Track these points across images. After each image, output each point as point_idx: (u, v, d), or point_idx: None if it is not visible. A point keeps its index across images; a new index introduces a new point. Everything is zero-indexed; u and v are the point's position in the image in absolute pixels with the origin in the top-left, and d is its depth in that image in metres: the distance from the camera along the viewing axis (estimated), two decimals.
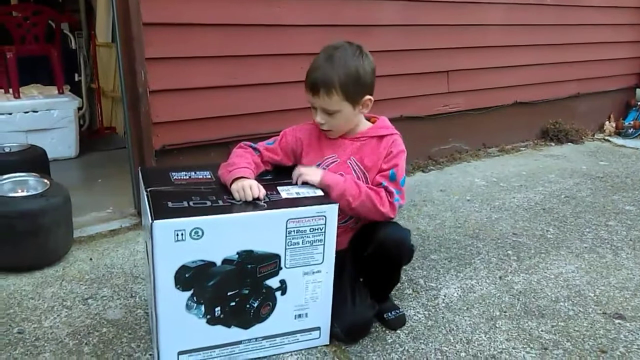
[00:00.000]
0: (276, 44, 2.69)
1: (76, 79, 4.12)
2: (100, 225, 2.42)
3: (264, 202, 1.45)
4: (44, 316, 1.73)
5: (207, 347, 1.46)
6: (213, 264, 1.38)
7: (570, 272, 2.11)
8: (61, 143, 3.50)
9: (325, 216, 1.45)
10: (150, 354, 1.53)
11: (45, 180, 2.15)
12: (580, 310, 1.83)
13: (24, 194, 2.07)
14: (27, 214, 1.95)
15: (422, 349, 1.61)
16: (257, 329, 1.49)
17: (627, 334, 1.70)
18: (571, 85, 4.28)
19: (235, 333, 1.47)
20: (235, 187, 1.48)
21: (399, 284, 1.84)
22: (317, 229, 1.45)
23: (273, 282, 1.47)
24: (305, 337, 1.57)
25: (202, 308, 1.41)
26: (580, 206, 2.84)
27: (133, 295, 1.87)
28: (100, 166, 3.40)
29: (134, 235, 2.35)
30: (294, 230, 1.43)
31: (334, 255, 1.51)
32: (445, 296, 1.91)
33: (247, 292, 1.44)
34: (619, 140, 4.41)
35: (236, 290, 1.43)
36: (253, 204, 1.44)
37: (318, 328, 1.57)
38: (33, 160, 2.54)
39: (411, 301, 1.87)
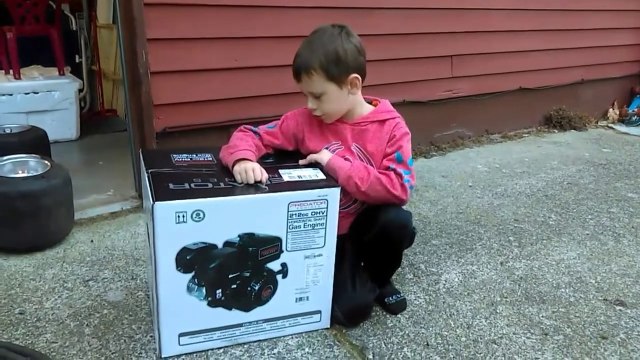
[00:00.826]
0: (278, 26, 2.66)
1: (77, 60, 4.09)
2: (101, 208, 2.42)
3: (265, 185, 1.44)
4: (45, 297, 1.73)
5: (208, 329, 1.46)
6: (214, 246, 1.38)
7: (572, 258, 2.11)
8: (62, 125, 3.48)
9: (327, 200, 1.45)
10: (151, 336, 1.54)
11: (46, 162, 2.14)
12: (581, 297, 1.83)
13: (25, 174, 2.06)
14: (28, 194, 1.94)
15: (423, 333, 1.61)
16: (258, 311, 1.49)
17: (627, 320, 1.70)
18: (575, 71, 4.25)
19: (236, 315, 1.48)
20: (237, 169, 1.46)
21: (399, 269, 1.84)
22: (319, 213, 1.45)
23: (274, 265, 1.46)
24: (306, 320, 1.57)
25: (203, 290, 1.41)
26: (583, 193, 2.83)
27: (134, 277, 1.87)
28: (101, 148, 3.39)
29: (134, 217, 2.34)
30: (295, 214, 1.42)
31: (335, 239, 1.50)
32: (446, 281, 1.91)
33: (248, 274, 1.44)
34: (623, 128, 4.39)
35: (237, 273, 1.43)
36: (255, 187, 1.43)
37: (319, 311, 1.58)
38: (33, 141, 2.53)
39: (412, 286, 1.87)
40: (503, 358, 1.51)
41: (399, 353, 1.52)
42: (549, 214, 2.54)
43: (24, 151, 2.22)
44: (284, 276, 1.49)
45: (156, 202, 1.30)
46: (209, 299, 1.43)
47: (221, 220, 1.36)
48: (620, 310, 1.76)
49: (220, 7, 2.49)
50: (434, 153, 3.46)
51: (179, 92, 2.47)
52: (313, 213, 1.44)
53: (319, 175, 1.53)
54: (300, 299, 1.53)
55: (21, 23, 3.61)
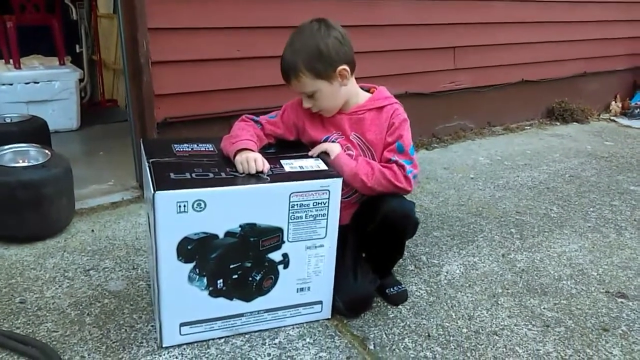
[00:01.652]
0: (281, 15, 2.64)
1: (77, 50, 4.07)
2: (102, 198, 2.41)
3: (267, 176, 1.43)
4: (46, 287, 1.73)
5: (209, 319, 1.46)
6: (215, 236, 1.37)
7: (574, 251, 2.10)
8: (62, 115, 3.47)
9: (328, 190, 1.44)
10: (152, 326, 1.53)
11: (46, 151, 2.13)
12: (582, 289, 1.83)
13: (25, 164, 2.05)
14: (28, 184, 1.93)
15: (424, 324, 1.61)
16: (259, 301, 1.49)
17: (629, 312, 1.70)
18: (578, 64, 4.23)
19: (237, 305, 1.47)
20: (239, 159, 1.46)
21: (401, 260, 1.84)
22: (321, 203, 1.44)
23: (276, 256, 1.46)
24: (307, 310, 1.57)
25: (205, 280, 1.41)
26: (585, 186, 2.83)
27: (135, 267, 1.86)
28: (101, 139, 3.38)
29: (135, 207, 2.34)
30: (297, 204, 1.42)
31: (337, 230, 1.50)
32: (447, 273, 1.90)
33: (249, 265, 1.44)
34: (625, 121, 4.37)
35: (239, 263, 1.43)
36: (256, 177, 1.42)
37: (320, 302, 1.57)
38: (34, 131, 2.52)
39: (413, 277, 1.87)
40: (504, 349, 1.51)
41: (400, 344, 1.52)
42: (551, 207, 2.53)
43: (24, 141, 2.21)
44: (285, 266, 1.48)
45: (157, 192, 1.29)
46: (210, 289, 1.42)
47: (222, 210, 1.36)
48: (621, 302, 1.76)
49: None
50: (435, 145, 3.45)
51: (180, 82, 2.45)
52: (315, 203, 1.43)
53: (320, 165, 1.52)
54: (302, 289, 1.53)
55: (21, 12, 3.59)
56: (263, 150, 1.58)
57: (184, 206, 1.32)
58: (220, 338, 1.49)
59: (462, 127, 3.70)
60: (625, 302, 1.76)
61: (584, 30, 4.12)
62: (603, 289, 1.84)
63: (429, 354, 1.48)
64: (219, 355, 1.44)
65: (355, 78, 1.64)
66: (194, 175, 1.40)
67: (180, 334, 1.45)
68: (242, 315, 1.49)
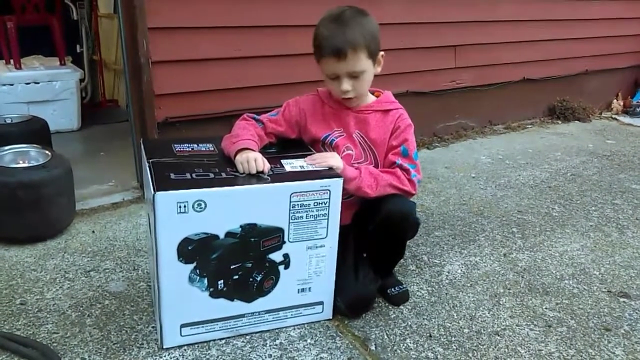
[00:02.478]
0: (282, 14, 2.63)
1: (78, 50, 4.07)
2: (103, 198, 2.41)
3: (267, 176, 1.43)
4: (46, 288, 1.72)
5: (209, 320, 1.46)
6: (216, 236, 1.36)
7: (576, 250, 2.09)
8: (63, 115, 3.47)
9: (329, 190, 1.43)
10: (153, 327, 1.53)
11: (47, 152, 2.12)
12: (584, 289, 1.82)
13: (25, 164, 2.05)
14: (29, 184, 1.93)
15: (425, 324, 1.60)
16: (260, 302, 1.49)
17: (631, 312, 1.69)
18: (580, 62, 4.21)
19: (238, 306, 1.47)
20: (239, 159, 1.45)
21: (402, 260, 1.84)
22: (321, 203, 1.43)
23: (276, 256, 1.45)
24: (308, 311, 1.56)
25: (205, 281, 1.40)
26: (586, 184, 2.82)
27: (135, 268, 1.86)
28: (102, 139, 3.38)
29: (136, 208, 2.33)
30: (297, 204, 1.41)
31: (338, 230, 1.49)
32: (448, 273, 1.90)
33: (250, 265, 1.43)
34: (627, 119, 4.36)
35: (239, 264, 1.42)
36: (257, 177, 1.42)
37: (321, 302, 1.57)
38: (34, 131, 2.52)
39: (414, 277, 1.86)
40: (506, 350, 1.50)
41: (402, 344, 1.51)
42: (553, 206, 2.52)
43: (24, 141, 2.20)
44: (286, 267, 1.48)
45: (157, 192, 1.29)
46: (211, 289, 1.42)
47: (223, 210, 1.35)
48: (624, 302, 1.75)
49: None
50: (436, 144, 3.44)
51: (180, 81, 2.45)
52: (315, 203, 1.43)
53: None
54: (303, 290, 1.53)
55: (22, 12, 3.59)
56: (264, 150, 1.57)
57: (185, 206, 1.31)
58: (221, 339, 1.49)
59: (464, 126, 3.69)
60: (627, 302, 1.75)
61: (586, 29, 4.11)
62: (605, 288, 1.83)
63: (430, 354, 1.47)
64: (219, 357, 1.43)
65: None
66: (194, 175, 1.39)
67: (181, 335, 1.44)
68: (242, 316, 1.49)
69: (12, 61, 3.48)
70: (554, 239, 2.18)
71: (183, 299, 1.40)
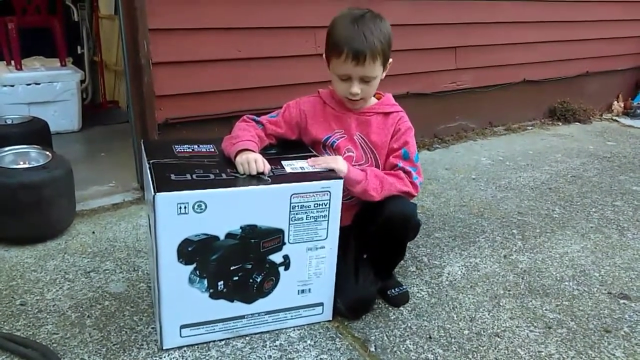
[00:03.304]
0: (283, 16, 2.64)
1: (79, 51, 4.07)
2: (103, 199, 2.41)
3: (268, 177, 1.43)
4: (47, 288, 1.72)
5: (209, 321, 1.46)
6: (216, 237, 1.37)
7: (576, 251, 2.09)
8: (63, 116, 3.47)
9: (329, 192, 1.43)
10: (153, 328, 1.53)
11: (47, 153, 2.12)
12: (585, 290, 1.82)
13: (26, 165, 2.05)
14: (29, 185, 1.93)
15: (425, 326, 1.60)
16: (260, 303, 1.49)
17: (631, 314, 1.69)
18: (580, 63, 4.22)
19: (238, 307, 1.47)
20: (239, 160, 1.45)
21: (402, 262, 1.84)
22: (322, 205, 1.43)
23: (276, 257, 1.45)
24: (308, 312, 1.56)
25: (205, 282, 1.40)
26: (587, 186, 2.82)
27: (135, 268, 1.86)
28: (102, 140, 3.38)
29: (136, 209, 2.34)
30: (298, 206, 1.41)
31: (338, 231, 1.49)
32: (449, 274, 1.90)
33: (250, 266, 1.43)
34: (627, 121, 4.36)
35: (239, 265, 1.42)
36: (257, 178, 1.42)
37: (321, 304, 1.57)
38: (35, 132, 2.52)
39: (414, 279, 1.86)
40: (506, 351, 1.50)
41: (402, 346, 1.51)
42: (553, 207, 2.52)
43: (25, 142, 2.20)
44: (286, 268, 1.48)
45: (157, 193, 1.29)
46: (211, 290, 1.42)
47: (223, 211, 1.35)
48: (624, 303, 1.75)
49: None
50: (437, 145, 3.44)
51: (181, 83, 2.45)
52: (316, 205, 1.43)
53: None
54: (303, 291, 1.53)
55: (22, 14, 3.59)
56: (264, 151, 1.57)
57: (185, 207, 1.31)
58: (220, 340, 1.49)
59: (464, 128, 3.69)
60: (627, 303, 1.75)
61: (586, 30, 4.11)
62: (605, 290, 1.83)
63: (430, 356, 1.47)
64: (219, 358, 1.43)
65: None
66: (194, 176, 1.39)
67: (181, 336, 1.44)
68: (242, 317, 1.49)
69: (13, 62, 3.49)
70: (554, 241, 2.18)
71: (183, 300, 1.40)
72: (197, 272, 1.38)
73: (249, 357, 1.44)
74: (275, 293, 1.49)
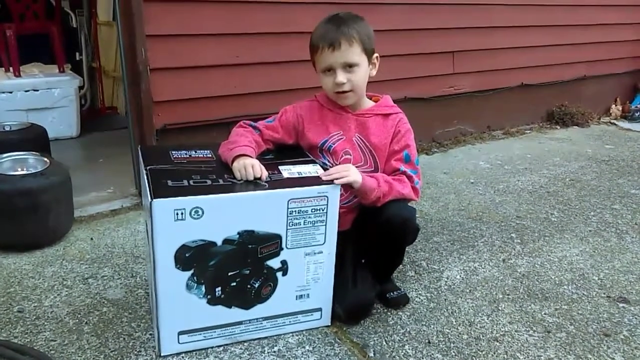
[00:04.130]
0: (279, 22, 2.65)
1: (77, 57, 4.08)
2: (101, 205, 2.41)
3: (265, 182, 1.43)
4: (44, 295, 1.72)
5: (207, 327, 1.45)
6: (214, 243, 1.36)
7: (575, 255, 2.09)
8: (62, 122, 3.48)
9: (327, 196, 1.43)
10: (151, 334, 1.53)
11: (45, 159, 2.13)
12: (584, 294, 1.82)
13: (23, 172, 2.05)
14: (27, 192, 1.93)
15: (424, 330, 1.60)
16: (258, 309, 1.48)
17: (631, 317, 1.69)
18: (578, 67, 4.23)
19: (236, 313, 1.46)
20: (237, 166, 1.45)
21: (401, 266, 1.84)
22: (319, 210, 1.43)
23: (274, 263, 1.45)
24: (307, 318, 1.56)
25: (203, 288, 1.40)
26: (585, 190, 2.82)
27: (134, 275, 1.86)
28: (101, 146, 3.38)
29: (135, 215, 2.33)
30: (295, 211, 1.41)
31: (335, 236, 1.49)
32: (447, 278, 1.89)
33: (248, 272, 1.43)
34: (625, 124, 4.36)
35: (237, 271, 1.42)
36: (254, 184, 1.42)
37: (319, 309, 1.56)
38: (33, 139, 2.52)
39: (413, 283, 1.86)
40: (505, 356, 1.50)
41: (400, 351, 1.50)
42: (552, 211, 2.52)
43: (23, 149, 2.20)
44: (284, 274, 1.47)
45: (154, 199, 1.29)
46: (209, 296, 1.41)
47: (220, 217, 1.35)
48: (623, 307, 1.75)
49: (221, 3, 2.48)
50: (435, 150, 3.44)
51: (178, 88, 2.46)
52: (313, 210, 1.43)
53: (319, 171, 1.52)
54: (301, 296, 1.52)
55: (21, 20, 3.61)
56: (261, 157, 1.57)
57: (182, 214, 1.31)
58: (219, 346, 1.48)
59: (462, 132, 3.69)
60: (626, 307, 1.75)
61: (584, 34, 4.12)
62: (604, 293, 1.82)
63: None
64: None
65: None
66: (191, 182, 1.39)
67: (179, 342, 1.44)
68: (240, 323, 1.48)
69: (11, 69, 3.49)
70: (552, 245, 2.18)
71: (181, 306, 1.39)
72: (195, 278, 1.38)
73: None
74: (274, 298, 1.49)
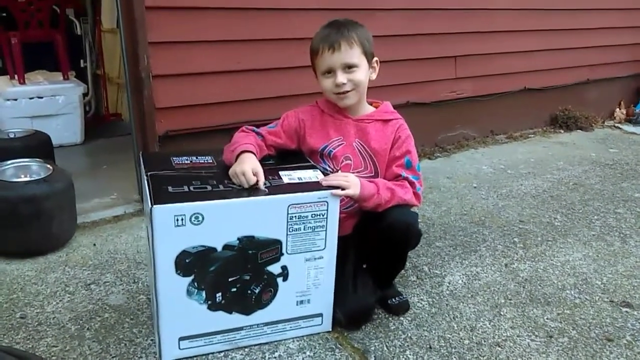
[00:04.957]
0: (280, 28, 2.66)
1: (81, 65, 4.10)
2: (104, 211, 2.41)
3: (265, 187, 1.43)
4: (47, 301, 1.73)
5: (208, 333, 1.45)
6: (214, 249, 1.37)
7: (578, 259, 2.08)
8: (66, 129, 3.49)
9: (327, 202, 1.43)
10: (152, 340, 1.53)
11: (48, 166, 2.14)
12: (586, 298, 1.81)
13: (27, 179, 2.06)
14: (30, 198, 1.94)
15: (425, 336, 1.59)
16: (258, 315, 1.48)
17: (634, 322, 1.68)
18: (581, 71, 4.21)
19: (236, 319, 1.47)
20: (231, 173, 1.46)
21: (402, 271, 1.83)
22: (319, 215, 1.44)
23: (274, 268, 1.45)
24: (307, 323, 1.56)
25: (203, 294, 1.40)
26: (589, 194, 2.80)
27: (136, 281, 1.86)
28: (105, 152, 3.40)
29: (137, 221, 2.34)
30: (295, 216, 1.41)
31: (336, 241, 1.49)
32: (449, 283, 1.89)
33: (248, 278, 1.43)
34: (630, 128, 4.34)
35: (237, 276, 1.42)
36: (254, 189, 1.42)
37: (320, 314, 1.56)
38: (37, 146, 2.53)
39: (415, 288, 1.85)
40: None
41: (401, 356, 1.50)
42: (555, 215, 2.51)
43: (28, 155, 2.22)
44: (285, 279, 1.47)
45: (155, 205, 1.29)
46: (209, 302, 1.42)
47: (220, 223, 1.35)
48: (626, 312, 1.74)
49: (222, 10, 2.49)
50: (438, 154, 3.44)
51: (181, 95, 2.47)
52: (313, 215, 1.43)
53: (319, 176, 1.52)
54: (301, 302, 1.52)
55: (25, 28, 3.63)
56: (262, 162, 1.57)
57: (182, 219, 1.32)
58: (220, 352, 1.49)
59: (465, 136, 3.69)
60: (630, 312, 1.74)
61: (587, 38, 4.11)
62: (607, 298, 1.82)
63: None
64: None
65: None
66: (192, 188, 1.40)
67: (180, 348, 1.44)
68: (241, 328, 1.48)
69: (16, 76, 3.52)
70: (555, 249, 2.17)
71: (181, 311, 1.40)
72: (195, 283, 1.38)
73: None
74: (274, 304, 1.49)
